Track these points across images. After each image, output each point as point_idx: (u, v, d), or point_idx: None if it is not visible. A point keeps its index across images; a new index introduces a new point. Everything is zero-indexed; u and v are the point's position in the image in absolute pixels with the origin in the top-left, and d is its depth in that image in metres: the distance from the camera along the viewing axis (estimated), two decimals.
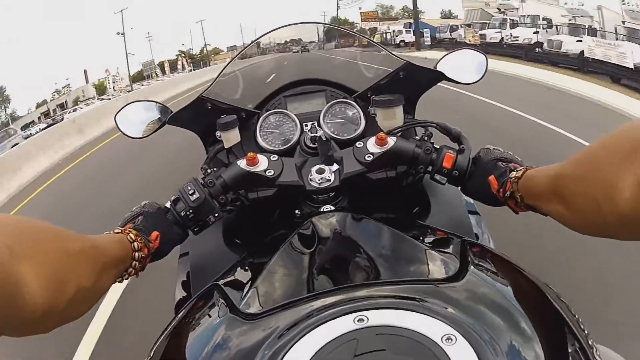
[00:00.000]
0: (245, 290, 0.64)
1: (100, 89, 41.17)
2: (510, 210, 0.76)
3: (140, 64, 44.28)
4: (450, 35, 24.52)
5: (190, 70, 38.20)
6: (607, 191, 0.46)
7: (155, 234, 0.78)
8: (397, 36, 28.50)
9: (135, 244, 0.70)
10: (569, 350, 0.47)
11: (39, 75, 42.72)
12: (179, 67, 45.50)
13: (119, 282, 0.69)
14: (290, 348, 0.45)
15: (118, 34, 38.20)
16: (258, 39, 1.32)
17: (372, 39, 1.38)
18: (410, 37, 26.83)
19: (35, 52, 43.06)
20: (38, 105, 35.77)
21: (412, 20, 27.76)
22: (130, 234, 0.71)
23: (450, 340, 0.42)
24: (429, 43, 25.16)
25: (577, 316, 0.53)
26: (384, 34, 30.90)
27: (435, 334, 0.43)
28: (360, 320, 0.46)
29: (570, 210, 0.55)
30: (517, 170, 0.72)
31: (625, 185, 0.44)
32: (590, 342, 0.50)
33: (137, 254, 0.70)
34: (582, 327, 0.52)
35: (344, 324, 0.46)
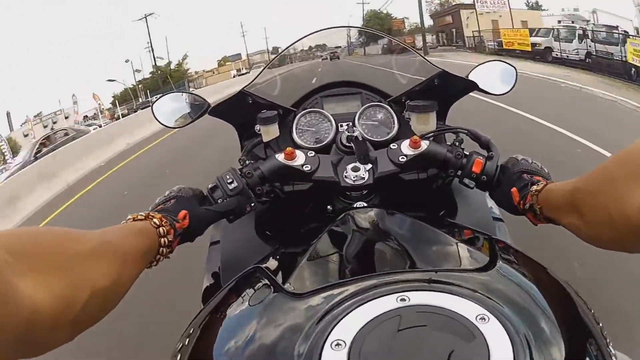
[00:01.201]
0: (286, 274, 0.67)
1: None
2: (530, 221, 0.79)
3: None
4: None
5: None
6: (620, 205, 0.48)
7: (183, 212, 0.77)
8: None
9: (160, 229, 0.69)
10: (587, 341, 0.50)
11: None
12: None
13: (148, 267, 0.67)
14: (337, 322, 0.48)
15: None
16: (297, 41, 1.37)
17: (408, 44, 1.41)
18: None
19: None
20: None
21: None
22: (154, 220, 0.69)
23: (483, 320, 0.46)
24: None
25: (592, 311, 0.57)
26: None
27: (470, 313, 0.47)
28: (402, 300, 0.50)
29: (585, 223, 0.58)
30: (538, 184, 0.76)
31: (638, 199, 0.45)
32: (604, 334, 0.53)
33: (163, 239, 0.69)
34: (597, 320, 0.55)
35: (388, 303, 0.50)
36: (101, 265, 0.51)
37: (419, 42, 29.86)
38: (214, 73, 40.60)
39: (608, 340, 0.52)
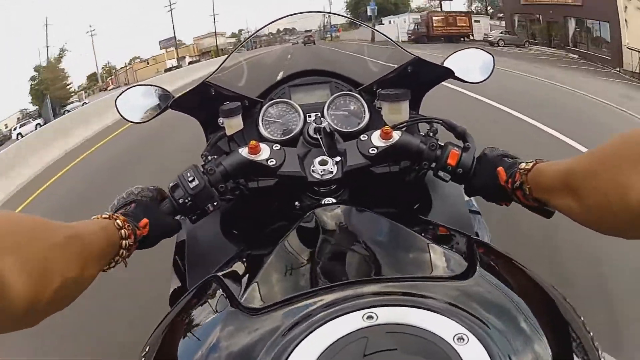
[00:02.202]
0: (246, 283, 0.62)
1: None
2: (518, 203, 0.75)
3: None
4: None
5: None
6: (620, 189, 0.46)
7: (144, 221, 0.76)
8: None
9: (122, 231, 0.68)
10: (576, 352, 0.47)
11: None
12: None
13: (105, 270, 0.67)
14: (296, 345, 0.43)
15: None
16: (265, 26, 1.31)
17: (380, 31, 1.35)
18: None
19: None
20: None
21: None
22: (118, 221, 0.69)
23: (462, 340, 0.41)
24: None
25: (582, 318, 0.53)
26: None
27: (446, 333, 0.42)
28: (370, 317, 0.45)
29: (580, 206, 0.55)
30: (526, 163, 0.72)
31: (638, 184, 0.44)
32: (596, 345, 0.50)
33: (124, 241, 0.68)
34: (587, 329, 0.52)
35: (353, 321, 0.45)
36: (71, 256, 0.53)
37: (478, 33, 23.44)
38: (148, 64, 32.61)
39: (600, 352, 0.49)
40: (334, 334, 0.43)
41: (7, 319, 0.43)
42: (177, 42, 34.18)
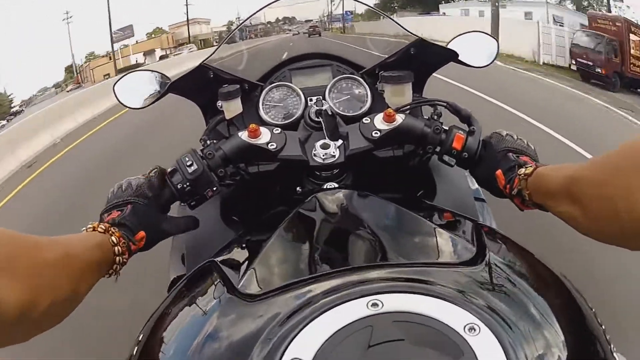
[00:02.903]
0: (244, 268, 0.60)
1: None
2: (517, 207, 0.73)
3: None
4: None
5: None
6: (628, 199, 0.45)
7: (141, 234, 0.73)
8: None
9: (117, 247, 0.67)
10: (591, 347, 0.45)
11: None
12: None
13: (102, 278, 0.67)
14: (296, 335, 0.41)
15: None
16: (260, 9, 1.27)
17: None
18: None
19: None
20: None
21: None
22: (113, 237, 0.67)
23: (473, 331, 0.39)
24: None
25: (593, 310, 0.51)
26: None
27: (457, 323, 0.40)
28: (375, 305, 0.42)
29: (584, 214, 0.54)
30: (526, 167, 0.70)
31: None
32: (608, 338, 0.48)
33: (118, 257, 0.67)
34: (599, 321, 0.50)
35: (357, 309, 0.42)
36: (62, 274, 0.53)
37: None
38: (110, 59, 26.37)
39: (612, 346, 0.47)
40: (337, 323, 0.41)
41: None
42: (158, 29, 29.21)
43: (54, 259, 0.52)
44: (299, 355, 0.38)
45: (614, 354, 0.46)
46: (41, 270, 0.49)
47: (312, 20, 2.08)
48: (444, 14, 21.60)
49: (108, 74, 22.63)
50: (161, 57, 26.20)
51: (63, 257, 0.53)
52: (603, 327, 0.49)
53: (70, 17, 24.78)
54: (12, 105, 22.41)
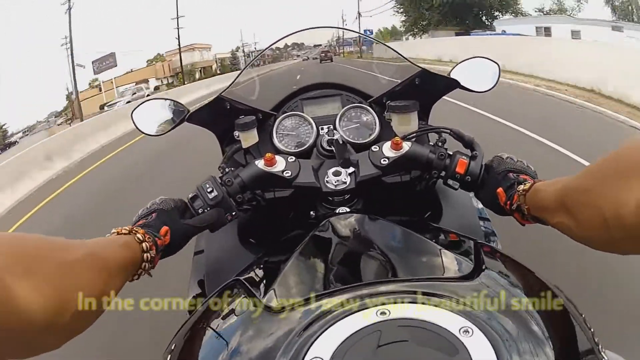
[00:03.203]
0: (266, 286, 0.66)
1: None
2: (518, 222, 0.77)
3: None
4: None
5: None
6: (613, 205, 0.46)
7: (165, 229, 0.77)
8: None
9: (144, 244, 0.69)
10: (578, 347, 0.49)
11: None
12: None
13: (130, 281, 0.68)
14: (315, 339, 0.47)
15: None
16: (277, 41, 1.34)
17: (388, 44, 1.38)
18: None
19: None
20: None
21: None
22: (138, 235, 0.70)
23: (467, 333, 0.44)
24: None
25: (583, 315, 0.55)
26: None
27: (453, 326, 0.45)
28: (383, 313, 0.48)
29: (576, 223, 0.56)
30: (525, 184, 0.74)
31: (632, 198, 0.44)
32: (596, 340, 0.52)
33: (146, 254, 0.69)
34: (588, 325, 0.54)
35: (367, 317, 0.48)
36: (89, 275, 0.52)
37: None
38: (100, 90, 23.55)
39: (600, 347, 0.51)
40: (350, 328, 0.47)
41: (28, 343, 0.43)
42: (158, 56, 27.38)
43: (80, 259, 0.51)
44: (320, 355, 0.44)
45: (603, 353, 0.50)
46: (67, 270, 0.48)
47: (321, 45, 2.10)
48: (504, 32, 18.65)
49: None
50: (156, 88, 24.95)
51: (89, 256, 0.53)
52: (592, 330, 0.53)
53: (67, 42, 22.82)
54: (7, 134, 21.40)
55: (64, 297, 0.47)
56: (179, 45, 26.99)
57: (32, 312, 0.41)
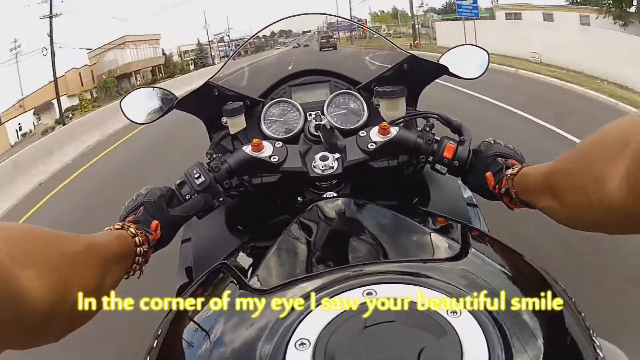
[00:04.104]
0: (253, 269, 0.65)
1: None
2: (507, 206, 0.78)
3: None
4: None
5: None
6: (597, 185, 0.46)
7: (155, 223, 0.77)
8: None
9: (136, 238, 0.69)
10: (567, 330, 0.49)
11: None
12: None
13: (126, 279, 0.68)
14: (301, 321, 0.46)
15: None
16: (265, 28, 1.33)
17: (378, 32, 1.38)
18: None
19: None
20: None
21: None
22: (131, 229, 0.70)
23: (455, 314, 0.44)
24: None
25: (573, 299, 0.55)
26: None
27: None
28: (369, 293, 0.48)
29: (561, 205, 0.57)
30: (513, 168, 0.75)
31: (615, 179, 0.43)
32: (587, 324, 0.52)
33: (139, 248, 0.69)
34: (578, 310, 0.54)
35: (353, 298, 0.48)
36: (89, 267, 0.53)
37: None
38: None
39: (592, 331, 0.51)
40: (337, 309, 0.46)
41: (31, 332, 0.42)
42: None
43: (77, 252, 0.51)
44: (306, 336, 0.44)
45: (594, 339, 0.50)
46: (65, 263, 0.48)
47: (310, 31, 2.04)
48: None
49: None
50: (67, 112, 16.66)
51: (85, 250, 0.53)
52: (582, 314, 0.53)
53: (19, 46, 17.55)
54: None
55: (66, 287, 0.47)
56: (51, 43, 17.13)
57: (35, 301, 0.41)
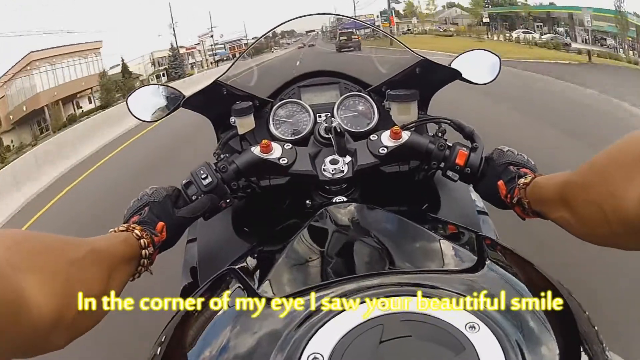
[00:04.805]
0: (261, 275, 0.64)
1: None
2: (518, 216, 0.76)
3: None
4: None
5: None
6: (613, 200, 0.46)
7: (160, 224, 0.76)
8: None
9: (142, 240, 0.69)
10: (583, 345, 0.48)
11: None
12: None
13: (132, 280, 0.67)
14: (314, 334, 0.44)
15: None
16: (274, 28, 1.32)
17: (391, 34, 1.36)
18: None
19: None
20: None
21: None
22: (136, 231, 0.69)
23: (473, 329, 0.43)
24: None
25: (587, 313, 0.54)
26: None
27: (458, 322, 0.44)
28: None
29: (576, 218, 0.56)
30: (525, 177, 0.73)
31: (631, 194, 0.43)
32: (600, 338, 0.51)
33: (144, 251, 0.68)
34: (592, 323, 0.53)
35: (368, 310, 0.46)
36: (93, 272, 0.52)
37: None
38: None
39: (604, 345, 0.50)
40: (351, 322, 0.45)
41: (32, 341, 0.41)
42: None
43: (80, 257, 0.51)
44: (318, 351, 0.42)
45: (607, 353, 0.49)
46: (68, 268, 0.48)
47: (314, 31, 1.99)
48: None
49: None
50: None
51: (89, 254, 0.53)
52: (596, 328, 0.52)
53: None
54: None
55: (71, 294, 0.46)
56: None
57: (39, 309, 0.41)
